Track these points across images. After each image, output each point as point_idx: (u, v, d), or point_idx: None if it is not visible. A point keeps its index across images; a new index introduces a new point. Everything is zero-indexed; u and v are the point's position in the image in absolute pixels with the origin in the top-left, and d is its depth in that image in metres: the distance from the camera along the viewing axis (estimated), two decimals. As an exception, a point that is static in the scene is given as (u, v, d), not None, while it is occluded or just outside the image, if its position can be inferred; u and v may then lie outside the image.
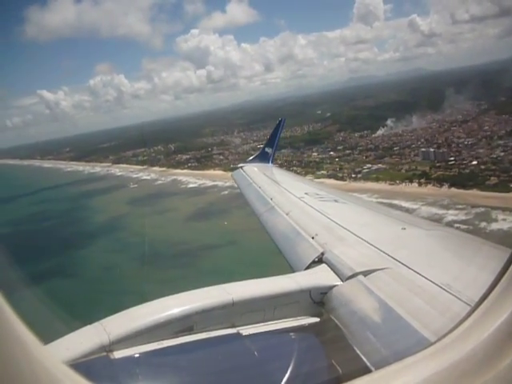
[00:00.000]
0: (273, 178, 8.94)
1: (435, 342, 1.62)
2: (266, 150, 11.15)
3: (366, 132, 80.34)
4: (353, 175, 60.99)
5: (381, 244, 3.83)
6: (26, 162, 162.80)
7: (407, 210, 43.16)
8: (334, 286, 3.26)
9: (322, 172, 65.09)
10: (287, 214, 5.78)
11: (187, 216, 52.75)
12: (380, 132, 77.26)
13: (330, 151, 75.67)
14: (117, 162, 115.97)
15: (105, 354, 2.36)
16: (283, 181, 8.51)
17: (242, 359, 2.67)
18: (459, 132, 66.32)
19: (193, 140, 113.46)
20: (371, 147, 71.35)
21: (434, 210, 43.37)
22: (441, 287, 2.83)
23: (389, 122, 78.37)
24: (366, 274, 3.27)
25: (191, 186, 73.38)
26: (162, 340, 2.55)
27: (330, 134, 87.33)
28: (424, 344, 1.70)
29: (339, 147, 76.12)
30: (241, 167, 10.65)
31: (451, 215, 41.69)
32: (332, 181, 58.51)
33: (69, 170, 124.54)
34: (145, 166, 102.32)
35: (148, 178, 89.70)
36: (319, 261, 3.86)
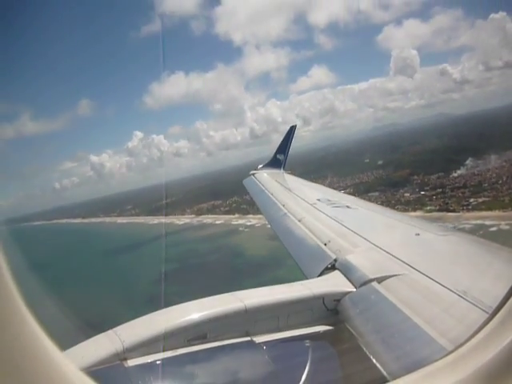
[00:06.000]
0: (284, 185, 8.92)
1: (453, 351, 1.61)
2: (278, 156, 11.13)
3: (439, 174, 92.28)
4: (464, 208, 71.96)
5: (394, 250, 3.82)
6: (93, 220, 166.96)
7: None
8: (348, 292, 3.27)
9: (431, 207, 76.34)
10: (300, 221, 5.79)
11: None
12: (459, 172, 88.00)
13: (419, 191, 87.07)
14: (199, 213, 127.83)
15: (119, 361, 2.42)
16: (295, 187, 8.49)
17: (256, 367, 2.70)
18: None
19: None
20: (459, 186, 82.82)
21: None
22: (457, 294, 2.77)
23: (468, 161, 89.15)
24: (379, 280, 3.27)
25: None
26: (176, 348, 2.60)
27: (404, 177, 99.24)
28: (441, 353, 1.70)
29: (426, 188, 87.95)
30: (252, 174, 10.60)
31: None
32: (445, 213, 70.27)
33: (154, 222, 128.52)
34: (236, 215, 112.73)
35: (253, 223, 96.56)
36: (332, 267, 3.90)
